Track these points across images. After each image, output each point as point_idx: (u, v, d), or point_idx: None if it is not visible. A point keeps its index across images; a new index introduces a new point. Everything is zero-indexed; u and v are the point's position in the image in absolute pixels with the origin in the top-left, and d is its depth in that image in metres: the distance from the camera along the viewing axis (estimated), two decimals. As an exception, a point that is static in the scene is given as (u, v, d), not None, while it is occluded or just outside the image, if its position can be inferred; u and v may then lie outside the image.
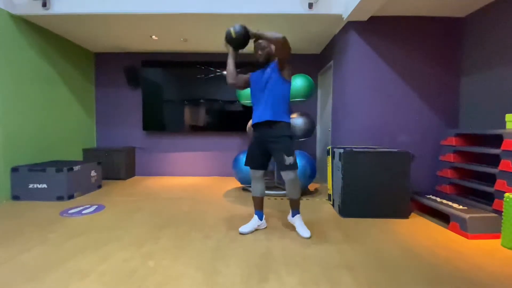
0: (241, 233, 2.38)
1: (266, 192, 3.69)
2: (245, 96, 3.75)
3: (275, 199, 3.54)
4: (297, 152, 3.69)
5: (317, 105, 5.11)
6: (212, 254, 1.99)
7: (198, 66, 4.89)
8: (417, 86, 3.44)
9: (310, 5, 3.25)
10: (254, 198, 2.49)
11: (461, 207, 2.59)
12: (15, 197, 3.36)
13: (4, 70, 3.30)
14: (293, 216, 2.47)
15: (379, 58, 3.43)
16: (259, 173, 2.43)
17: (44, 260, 1.88)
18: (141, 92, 4.99)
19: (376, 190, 2.81)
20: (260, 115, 2.31)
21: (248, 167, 2.46)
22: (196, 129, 5.00)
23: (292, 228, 2.50)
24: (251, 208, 3.11)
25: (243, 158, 3.75)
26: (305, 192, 3.88)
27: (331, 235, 2.37)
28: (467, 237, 2.33)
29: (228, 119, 4.97)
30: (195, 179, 4.85)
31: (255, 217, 2.47)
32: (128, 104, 5.09)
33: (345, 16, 3.29)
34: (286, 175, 2.29)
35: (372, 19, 3.38)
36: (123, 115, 5.11)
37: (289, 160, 2.25)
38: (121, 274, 1.71)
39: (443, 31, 3.41)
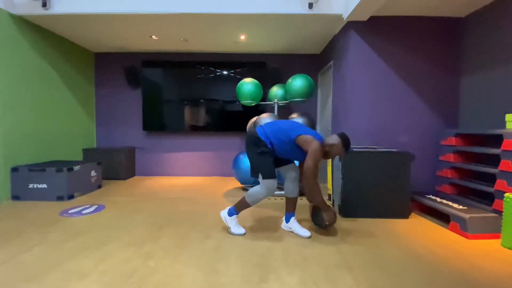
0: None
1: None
2: (245, 96, 3.75)
3: (275, 199, 3.53)
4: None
5: (317, 105, 5.10)
6: (212, 254, 1.99)
7: (198, 66, 4.89)
8: (417, 86, 3.44)
9: (310, 5, 3.25)
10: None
11: (461, 207, 2.59)
12: (15, 197, 3.36)
13: (4, 70, 3.30)
14: (287, 221, 2.46)
15: (379, 58, 3.43)
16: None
17: (44, 260, 1.88)
18: (141, 92, 4.99)
19: (376, 190, 2.81)
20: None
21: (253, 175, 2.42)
22: (196, 129, 5.00)
23: (292, 228, 2.51)
24: (250, 208, 3.11)
25: (243, 158, 3.75)
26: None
27: (331, 235, 2.37)
28: (467, 237, 2.33)
29: (228, 119, 4.97)
30: (195, 179, 4.85)
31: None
32: (128, 104, 5.09)
33: (345, 16, 3.30)
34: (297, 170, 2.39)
35: (372, 19, 3.38)
36: (123, 115, 5.11)
37: None
38: (121, 274, 1.71)
39: (443, 31, 3.41)
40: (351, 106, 3.47)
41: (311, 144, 2.14)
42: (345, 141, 2.21)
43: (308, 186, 2.19)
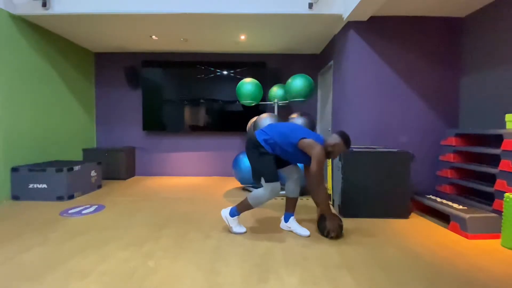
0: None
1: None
2: (245, 96, 3.75)
3: (275, 199, 3.53)
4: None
5: (317, 105, 5.10)
6: (212, 254, 1.99)
7: (198, 66, 4.89)
8: (417, 86, 3.44)
9: (310, 5, 3.25)
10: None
11: (461, 207, 2.59)
12: (15, 197, 3.36)
13: (4, 70, 3.30)
14: (286, 220, 2.46)
15: (379, 58, 3.43)
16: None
17: (44, 260, 1.87)
18: (141, 92, 4.99)
19: (376, 190, 2.81)
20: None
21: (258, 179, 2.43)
22: (196, 129, 5.00)
23: (292, 228, 2.51)
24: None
25: (243, 158, 3.75)
26: (305, 192, 3.88)
27: (331, 235, 2.37)
28: (467, 237, 2.33)
29: (228, 119, 4.97)
30: (195, 179, 4.84)
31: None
32: (128, 104, 5.09)
33: (345, 16, 3.29)
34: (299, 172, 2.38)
35: (372, 19, 3.38)
36: (123, 115, 5.11)
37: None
38: (121, 274, 1.71)
39: (443, 31, 3.41)
40: (351, 106, 3.47)
41: (314, 148, 2.14)
42: (346, 139, 2.22)
43: (313, 191, 2.20)
